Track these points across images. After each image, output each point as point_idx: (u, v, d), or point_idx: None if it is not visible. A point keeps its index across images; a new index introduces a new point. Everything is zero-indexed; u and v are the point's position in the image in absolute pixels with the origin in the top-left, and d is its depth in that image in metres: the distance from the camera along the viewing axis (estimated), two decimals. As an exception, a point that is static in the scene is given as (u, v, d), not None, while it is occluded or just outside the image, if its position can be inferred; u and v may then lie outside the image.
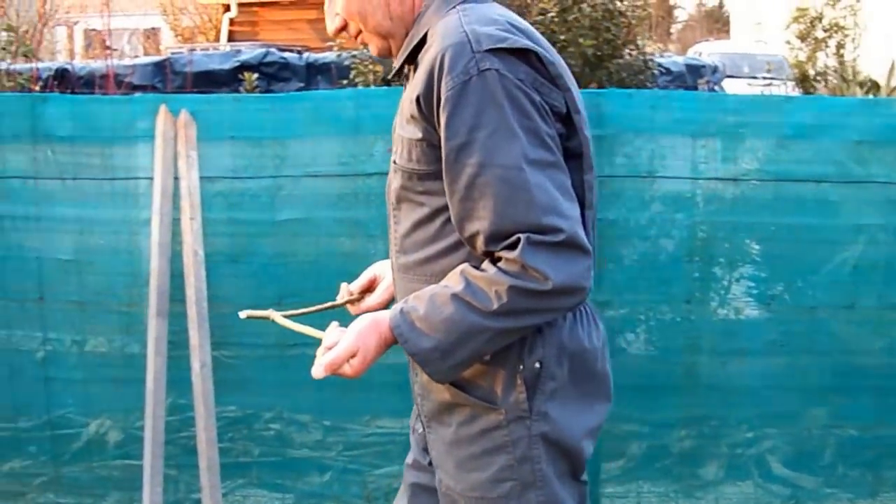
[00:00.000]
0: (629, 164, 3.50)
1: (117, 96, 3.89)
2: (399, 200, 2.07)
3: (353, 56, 6.48)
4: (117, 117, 3.44)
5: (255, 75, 4.97)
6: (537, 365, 2.00)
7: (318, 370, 1.99)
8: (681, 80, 8.95)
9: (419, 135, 1.96)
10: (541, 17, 6.11)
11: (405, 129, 2.01)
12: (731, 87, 14.96)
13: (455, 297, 1.90)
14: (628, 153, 3.50)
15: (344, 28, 2.13)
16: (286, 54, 6.88)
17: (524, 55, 1.91)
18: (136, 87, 6.20)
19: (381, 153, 3.36)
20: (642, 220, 3.58)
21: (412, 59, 2.04)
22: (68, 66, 6.71)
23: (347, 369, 1.99)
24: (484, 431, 2.04)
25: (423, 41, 2.01)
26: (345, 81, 6.49)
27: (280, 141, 3.43)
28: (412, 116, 1.97)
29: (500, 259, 1.89)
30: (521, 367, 1.99)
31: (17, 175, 3.55)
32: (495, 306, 1.87)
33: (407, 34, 2.07)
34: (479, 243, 1.92)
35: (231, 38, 14.95)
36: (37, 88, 5.09)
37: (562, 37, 6.10)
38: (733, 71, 17.23)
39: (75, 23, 13.84)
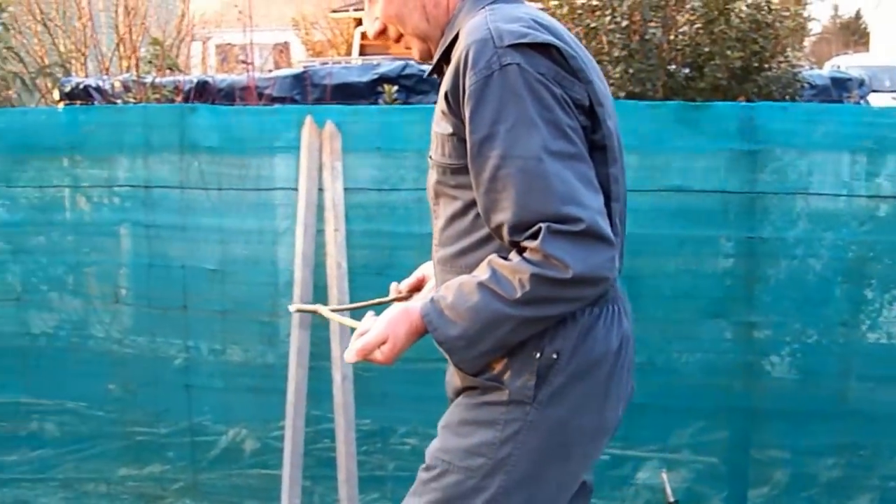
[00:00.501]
0: (778, 179, 3.37)
1: (262, 107, 3.93)
2: (437, 195, 2.14)
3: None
4: (261, 128, 3.48)
5: (395, 88, 5.01)
6: (554, 356, 2.02)
7: (349, 354, 2.07)
8: (826, 94, 8.63)
9: (449, 129, 2.02)
10: (685, 28, 6.01)
11: (438, 125, 2.07)
12: (876, 101, 14.45)
13: (481, 285, 1.94)
14: (777, 168, 3.38)
15: (384, 31, 2.21)
16: (425, 67, 6.91)
17: (545, 50, 1.96)
18: (275, 100, 6.34)
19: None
20: (790, 239, 3.45)
21: (447, 58, 2.09)
22: (209, 79, 6.88)
23: (378, 355, 2.06)
24: (483, 404, 2.07)
25: (455, 40, 2.07)
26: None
27: (425, 153, 3.39)
28: (442, 112, 2.04)
29: (524, 249, 1.92)
30: (539, 354, 2.02)
31: (164, 185, 3.63)
32: (518, 294, 1.91)
33: (443, 35, 2.14)
34: (504, 234, 1.95)
35: (362, 52, 15.12)
36: (180, 100, 5.22)
37: (706, 49, 5.99)
38: (875, 85, 16.64)
39: (209, 38, 14.22)
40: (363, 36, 15.07)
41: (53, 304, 3.94)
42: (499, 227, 1.97)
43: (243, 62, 12.02)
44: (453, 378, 2.16)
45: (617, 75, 6.05)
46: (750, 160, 3.32)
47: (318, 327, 3.40)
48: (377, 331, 2.06)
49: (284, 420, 3.45)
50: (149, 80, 5.69)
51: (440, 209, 2.14)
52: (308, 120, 3.38)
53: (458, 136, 2.01)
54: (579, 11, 6.26)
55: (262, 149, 3.47)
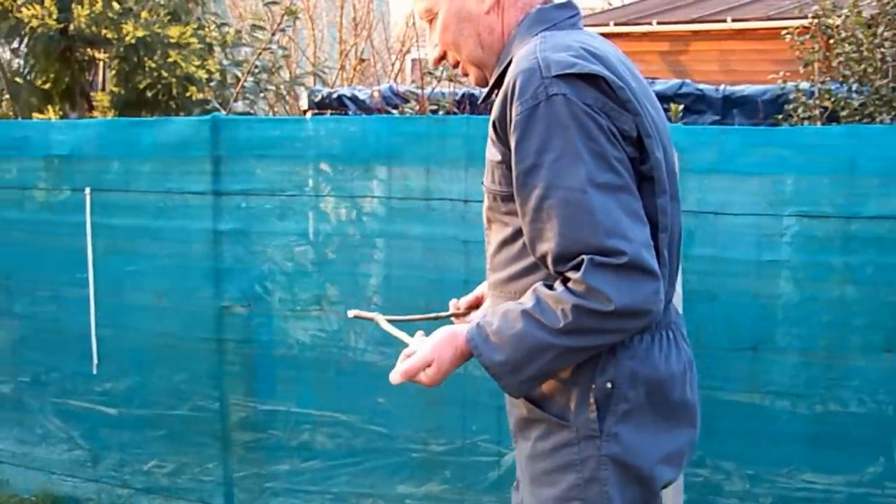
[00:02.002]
0: None
1: None
2: (488, 221, 2.21)
3: (797, 89, 6.31)
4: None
5: (681, 107, 4.93)
6: (609, 385, 2.05)
7: (394, 376, 2.12)
8: None
9: (498, 157, 2.07)
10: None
11: (489, 152, 2.12)
12: None
13: (525, 313, 1.99)
14: None
15: (443, 57, 2.28)
16: (702, 86, 6.78)
17: (593, 80, 1.97)
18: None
19: (878, 195, 3.18)
20: None
21: (500, 84, 2.11)
22: (475, 92, 6.90)
23: (423, 377, 2.11)
24: (556, 448, 2.11)
25: (508, 67, 2.10)
26: (779, 116, 6.34)
27: (772, 177, 3.30)
28: (492, 140, 2.09)
29: (568, 279, 1.95)
30: (594, 385, 2.05)
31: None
32: (561, 324, 1.95)
33: (497, 62, 2.19)
34: (549, 264, 1.99)
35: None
36: (455, 111, 5.28)
37: None
38: None
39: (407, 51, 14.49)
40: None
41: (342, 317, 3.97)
42: (543, 257, 2.00)
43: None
44: (519, 409, 2.18)
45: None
46: None
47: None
48: (423, 353, 2.12)
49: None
50: (426, 91, 5.77)
51: (492, 235, 2.21)
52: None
53: (506, 163, 2.05)
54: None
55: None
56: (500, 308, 2.06)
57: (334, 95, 7.25)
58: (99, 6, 6.63)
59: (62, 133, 4.43)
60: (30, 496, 4.76)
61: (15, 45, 6.78)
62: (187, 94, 6.56)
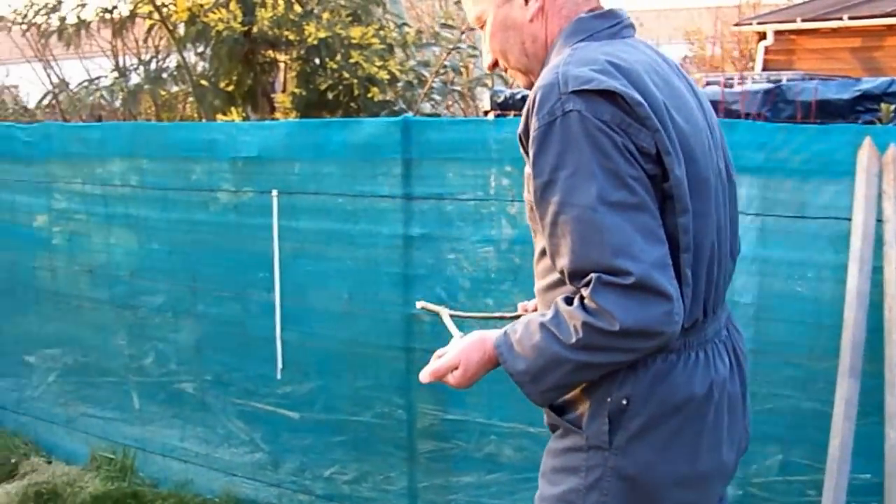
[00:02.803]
0: None
1: (812, 125, 3.66)
2: (532, 231, 2.23)
3: None
4: (810, 149, 3.23)
5: (892, 107, 4.64)
6: (624, 401, 2.08)
7: (423, 375, 2.25)
8: None
9: (528, 169, 2.10)
10: None
11: (526, 165, 2.14)
12: None
13: (543, 325, 2.04)
14: None
15: (496, 64, 2.36)
16: (914, 84, 6.43)
17: (610, 96, 1.97)
18: (747, 116, 6.10)
19: None
20: None
21: None
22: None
23: (451, 379, 2.22)
24: (567, 449, 2.18)
25: None
26: None
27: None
28: (522, 152, 2.14)
29: (582, 297, 1.98)
30: (609, 399, 2.09)
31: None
32: (573, 340, 1.99)
33: (542, 69, 2.19)
34: (566, 279, 2.03)
35: (765, 67, 14.64)
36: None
37: None
38: None
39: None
40: (766, 50, 14.60)
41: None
42: (562, 272, 2.04)
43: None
44: (546, 413, 2.27)
45: None
46: None
47: (870, 375, 3.11)
48: (451, 356, 2.23)
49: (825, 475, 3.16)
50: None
51: (536, 243, 2.23)
52: (867, 142, 3.08)
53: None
54: None
55: (810, 171, 3.21)
56: (525, 318, 2.13)
57: (518, 96, 7.14)
58: (281, 8, 6.72)
59: (249, 135, 4.45)
60: (213, 497, 4.83)
61: (201, 49, 6.94)
62: (368, 95, 6.58)
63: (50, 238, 5.39)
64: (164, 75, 7.22)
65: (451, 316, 2.56)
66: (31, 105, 8.96)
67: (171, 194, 4.74)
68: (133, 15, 6.94)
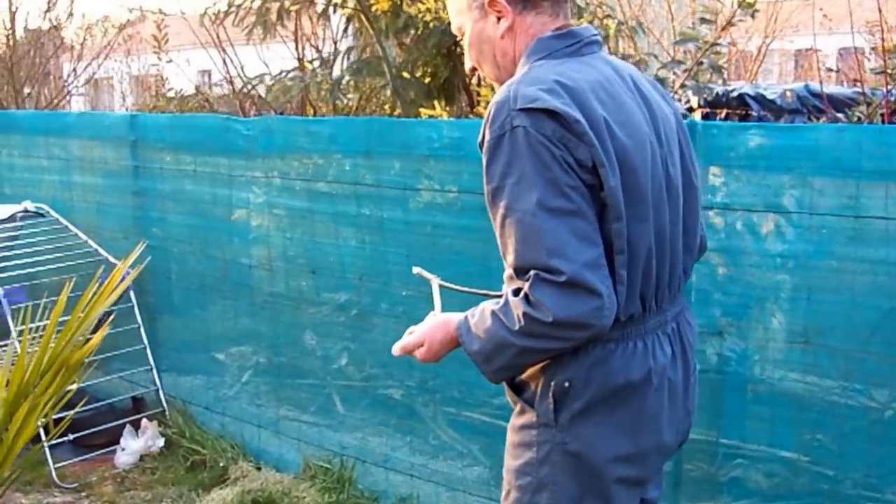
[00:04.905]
0: None
1: None
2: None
3: None
4: None
5: None
6: (566, 384, 2.44)
7: (395, 349, 2.66)
8: None
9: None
10: None
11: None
12: None
13: (493, 313, 2.41)
14: None
15: (475, 70, 2.71)
16: None
17: (553, 114, 2.30)
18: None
19: None
20: None
21: None
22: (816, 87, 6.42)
23: (417, 355, 2.63)
24: (523, 426, 2.53)
25: None
26: None
27: None
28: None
29: (525, 290, 2.31)
30: (554, 382, 2.45)
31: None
32: (517, 327, 2.34)
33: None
34: (513, 273, 2.36)
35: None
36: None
37: None
38: None
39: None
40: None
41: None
42: (510, 267, 2.38)
43: (829, 70, 11.57)
44: (506, 390, 2.62)
45: None
46: None
47: None
48: (418, 334, 2.63)
49: None
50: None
51: None
52: None
53: None
54: None
55: None
56: (482, 305, 2.49)
57: (733, 93, 6.92)
58: (490, -2, 6.62)
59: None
60: (441, 513, 4.78)
61: (405, 40, 6.90)
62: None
63: (267, 235, 5.41)
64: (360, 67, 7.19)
65: (441, 286, 2.91)
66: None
67: (409, 194, 4.69)
68: (332, 4, 6.94)
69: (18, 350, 5.06)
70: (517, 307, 2.33)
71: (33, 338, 5.45)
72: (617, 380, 2.45)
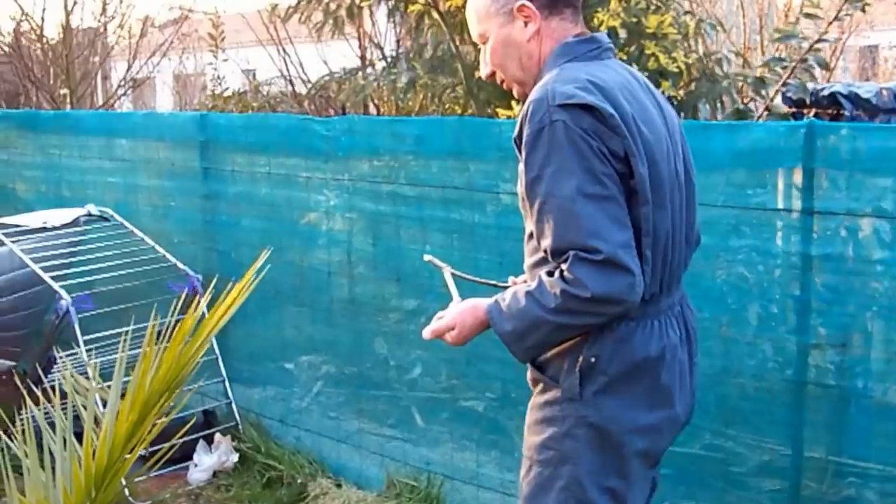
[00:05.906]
0: None
1: None
2: (524, 218, 2.74)
3: None
4: None
5: None
6: (593, 359, 2.66)
7: (425, 333, 2.87)
8: None
9: (521, 166, 2.66)
10: None
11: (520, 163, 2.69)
12: None
13: (528, 293, 2.62)
14: None
15: (493, 75, 2.90)
16: None
17: (589, 109, 2.54)
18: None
19: None
20: None
21: None
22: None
23: (448, 338, 2.83)
24: (547, 403, 2.75)
25: None
26: None
27: None
28: (517, 153, 2.70)
29: (562, 270, 2.54)
30: (580, 358, 2.66)
31: None
32: (553, 304, 2.56)
33: (535, 83, 2.73)
34: (549, 256, 2.59)
35: None
36: None
37: None
38: None
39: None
40: None
41: None
42: (545, 251, 2.60)
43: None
44: (529, 370, 2.83)
45: None
46: None
47: None
48: (449, 317, 2.84)
49: None
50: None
51: (525, 228, 2.75)
52: None
53: None
54: None
55: None
56: (513, 288, 2.72)
57: (824, 92, 6.73)
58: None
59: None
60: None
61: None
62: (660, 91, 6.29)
63: (347, 240, 5.29)
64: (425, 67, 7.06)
65: (453, 275, 3.06)
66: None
67: (503, 197, 4.56)
68: (402, 0, 6.82)
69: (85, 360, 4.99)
70: (554, 286, 2.56)
71: (98, 347, 5.39)
72: (637, 355, 2.68)
